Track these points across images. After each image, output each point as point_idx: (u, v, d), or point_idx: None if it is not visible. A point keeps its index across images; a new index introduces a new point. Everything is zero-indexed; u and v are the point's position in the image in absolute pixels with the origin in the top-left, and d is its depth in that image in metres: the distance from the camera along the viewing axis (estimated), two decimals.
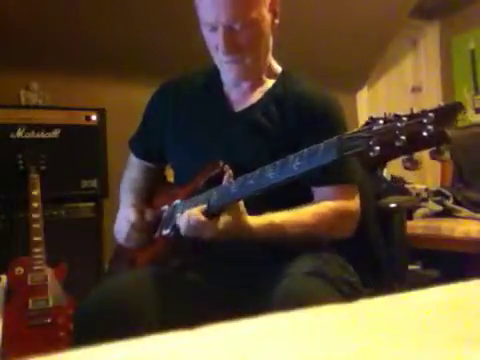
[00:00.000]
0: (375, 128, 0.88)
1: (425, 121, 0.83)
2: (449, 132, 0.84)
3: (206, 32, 1.28)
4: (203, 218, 1.14)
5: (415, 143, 0.86)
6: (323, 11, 3.04)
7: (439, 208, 2.77)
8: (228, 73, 1.33)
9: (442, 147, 0.86)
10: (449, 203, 2.77)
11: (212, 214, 1.15)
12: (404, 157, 0.89)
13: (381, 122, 0.88)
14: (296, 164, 1.02)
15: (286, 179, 1.04)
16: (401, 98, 4.12)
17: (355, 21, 3.19)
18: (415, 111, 0.86)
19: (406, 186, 2.94)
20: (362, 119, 3.74)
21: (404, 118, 0.86)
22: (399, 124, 0.86)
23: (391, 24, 3.43)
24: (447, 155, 0.87)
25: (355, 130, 0.93)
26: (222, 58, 1.28)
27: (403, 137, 0.85)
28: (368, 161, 0.92)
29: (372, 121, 0.90)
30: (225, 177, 1.17)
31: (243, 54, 1.26)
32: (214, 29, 1.25)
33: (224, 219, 1.14)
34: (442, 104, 0.86)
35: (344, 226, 1.29)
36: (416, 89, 4.27)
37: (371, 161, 0.90)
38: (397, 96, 4.12)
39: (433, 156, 0.86)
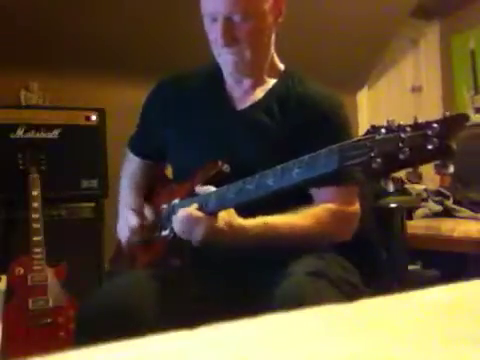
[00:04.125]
0: (377, 138, 0.85)
1: (430, 133, 0.79)
2: (454, 145, 0.79)
3: (207, 24, 1.28)
4: (199, 213, 1.14)
5: (419, 156, 0.81)
6: (323, 11, 3.04)
7: (439, 208, 2.77)
8: (227, 66, 1.32)
9: (447, 161, 0.80)
10: (449, 203, 2.77)
11: (208, 213, 1.14)
12: (408, 170, 0.84)
13: (383, 131, 0.84)
14: (295, 171, 1.00)
15: (285, 186, 1.03)
16: (401, 98, 4.12)
17: (355, 21, 3.18)
18: (418, 119, 0.82)
19: (406, 186, 2.94)
20: (362, 119, 3.74)
21: (407, 129, 0.82)
22: (402, 135, 0.81)
23: (391, 24, 3.43)
24: (452, 169, 0.80)
25: (357, 138, 0.90)
26: (220, 51, 1.28)
27: (407, 149, 0.81)
28: (370, 172, 0.86)
29: (374, 130, 0.86)
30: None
31: (241, 47, 1.26)
32: (214, 20, 1.25)
33: (222, 215, 1.14)
34: (447, 114, 0.81)
35: (343, 229, 1.28)
36: (416, 89, 4.26)
37: (373, 172, 0.86)
38: (397, 96, 4.11)
39: (438, 170, 0.81)
